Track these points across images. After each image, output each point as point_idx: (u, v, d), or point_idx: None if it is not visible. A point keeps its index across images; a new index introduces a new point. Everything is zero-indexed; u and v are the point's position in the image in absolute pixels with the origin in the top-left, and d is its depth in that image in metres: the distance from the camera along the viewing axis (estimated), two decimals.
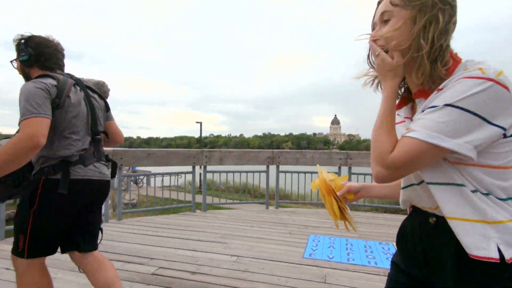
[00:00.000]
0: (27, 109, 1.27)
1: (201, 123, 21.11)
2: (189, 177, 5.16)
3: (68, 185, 1.38)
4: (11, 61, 1.53)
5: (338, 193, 0.97)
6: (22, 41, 1.46)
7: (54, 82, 1.39)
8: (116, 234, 3.49)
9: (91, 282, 1.55)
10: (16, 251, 1.39)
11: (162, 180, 5.27)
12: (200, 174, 5.43)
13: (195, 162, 4.73)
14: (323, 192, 0.97)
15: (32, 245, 1.38)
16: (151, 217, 4.54)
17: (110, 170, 1.67)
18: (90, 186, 1.48)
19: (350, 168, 5.08)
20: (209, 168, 4.92)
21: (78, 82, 1.54)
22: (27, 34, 1.48)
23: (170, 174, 5.15)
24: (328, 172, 1.01)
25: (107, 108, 1.71)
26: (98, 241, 1.65)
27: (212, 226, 3.87)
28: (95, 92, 1.64)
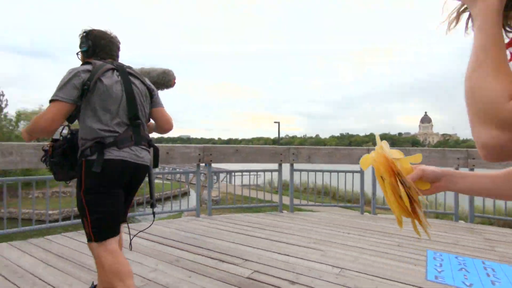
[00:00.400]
0: (55, 91, 1.41)
1: (279, 123, 21.17)
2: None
3: (103, 165, 1.41)
4: (77, 53, 1.66)
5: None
6: (84, 34, 1.61)
7: (89, 67, 1.47)
8: (207, 229, 3.49)
9: None
10: (87, 236, 1.45)
11: (248, 177, 5.21)
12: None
13: (282, 160, 4.48)
14: (381, 172, 0.63)
15: (95, 227, 1.42)
16: (237, 214, 4.49)
17: (152, 155, 1.67)
18: (125, 166, 1.48)
19: (472, 170, 4.08)
20: (295, 166, 4.62)
21: (119, 68, 1.56)
22: (89, 28, 1.62)
23: (256, 171, 5.05)
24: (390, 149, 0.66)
25: (151, 95, 1.69)
26: (150, 224, 2.05)
27: (302, 229, 3.54)
28: (138, 79, 1.64)
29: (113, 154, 1.44)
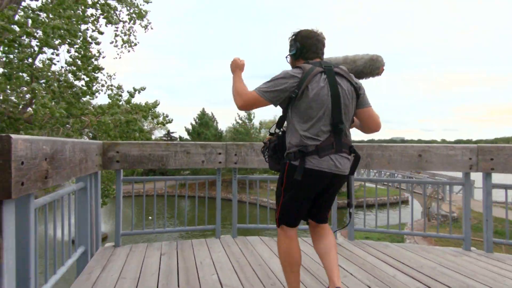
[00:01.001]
0: (262, 84, 1.55)
1: None
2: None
3: (302, 173, 1.49)
4: (286, 57, 1.72)
5: None
6: (293, 37, 1.65)
7: (299, 74, 1.51)
8: (504, 281, 2.15)
9: (314, 246, 1.74)
10: (274, 219, 1.69)
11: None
12: None
13: None
14: None
15: (281, 216, 1.64)
16: None
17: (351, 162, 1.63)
18: (322, 176, 1.51)
19: None
20: None
21: (326, 70, 1.53)
22: (297, 30, 1.65)
23: None
24: None
25: (357, 94, 1.59)
26: (346, 224, 2.21)
27: None
28: (344, 78, 1.56)
29: (313, 163, 1.49)
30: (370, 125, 1.68)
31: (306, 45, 1.60)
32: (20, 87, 6.58)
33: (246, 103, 1.56)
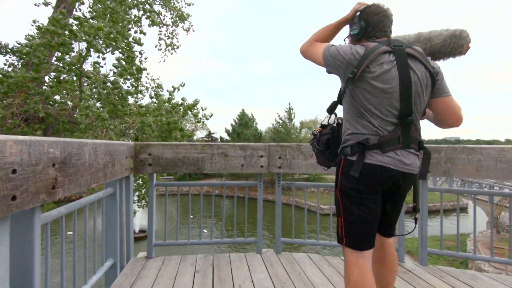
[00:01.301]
0: (335, 45, 1.38)
1: None
2: None
3: (361, 169, 1.27)
4: (344, 39, 1.53)
5: None
6: (357, 14, 1.43)
7: (361, 51, 1.29)
8: None
9: (373, 267, 1.42)
10: (338, 237, 1.37)
11: None
12: None
13: None
14: None
15: (347, 230, 1.32)
16: None
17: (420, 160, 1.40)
18: (385, 174, 1.27)
19: None
20: None
21: (396, 50, 1.29)
22: (363, 6, 1.43)
23: None
24: None
25: (433, 81, 1.32)
26: (407, 232, 1.65)
27: None
28: (419, 61, 1.31)
29: (375, 158, 1.27)
30: (448, 118, 1.38)
31: (371, 23, 1.38)
32: (74, 91, 6.94)
33: (308, 52, 1.47)
